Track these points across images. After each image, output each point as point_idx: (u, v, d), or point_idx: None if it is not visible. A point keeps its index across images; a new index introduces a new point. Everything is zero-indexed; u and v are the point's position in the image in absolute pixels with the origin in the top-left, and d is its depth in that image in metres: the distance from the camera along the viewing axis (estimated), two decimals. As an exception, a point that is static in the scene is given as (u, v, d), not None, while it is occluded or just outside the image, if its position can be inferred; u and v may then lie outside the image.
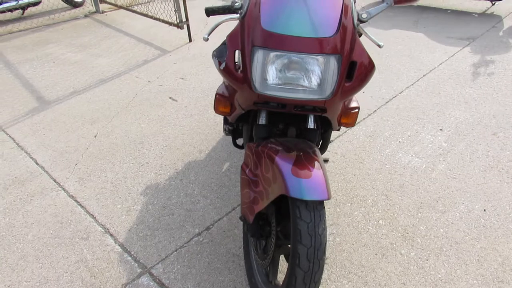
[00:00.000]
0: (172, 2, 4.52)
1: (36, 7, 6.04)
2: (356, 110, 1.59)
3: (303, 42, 1.30)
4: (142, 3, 6.08)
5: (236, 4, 1.42)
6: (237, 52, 1.42)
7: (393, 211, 2.15)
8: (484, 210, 2.12)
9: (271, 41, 1.31)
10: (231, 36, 1.41)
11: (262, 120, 1.58)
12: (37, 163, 2.68)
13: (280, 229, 1.54)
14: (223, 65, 1.42)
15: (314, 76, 1.35)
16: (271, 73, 1.34)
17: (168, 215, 2.20)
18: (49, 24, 5.65)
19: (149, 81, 3.76)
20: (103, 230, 2.12)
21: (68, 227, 2.16)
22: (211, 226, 2.11)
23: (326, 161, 2.49)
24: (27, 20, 5.82)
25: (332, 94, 1.36)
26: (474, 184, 2.30)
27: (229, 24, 4.74)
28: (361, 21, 1.42)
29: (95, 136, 2.95)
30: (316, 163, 1.42)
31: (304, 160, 1.41)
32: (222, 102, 1.63)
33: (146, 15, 5.13)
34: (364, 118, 2.98)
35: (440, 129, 2.80)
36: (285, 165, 1.40)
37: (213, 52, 1.48)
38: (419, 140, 2.70)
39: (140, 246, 2.02)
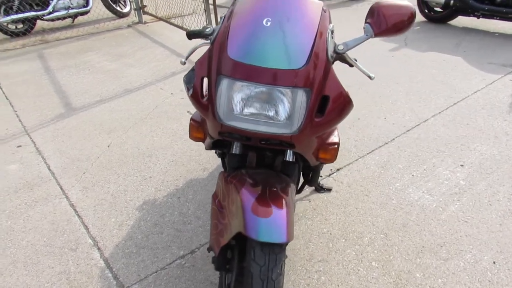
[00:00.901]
0: (205, 16, 4.59)
1: (84, 16, 6.37)
2: (335, 146, 1.48)
3: (270, 74, 1.23)
4: (180, 16, 6.20)
5: (207, 29, 1.38)
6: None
7: (390, 252, 1.99)
8: (494, 262, 1.91)
9: (237, 70, 1.25)
10: (199, 62, 1.36)
11: (235, 149, 1.52)
12: (49, 169, 2.77)
13: (245, 265, 1.47)
14: (190, 91, 1.38)
15: (281, 110, 1.27)
16: (236, 104, 1.28)
17: (158, 234, 2.18)
18: (94, 33, 5.94)
19: (172, 93, 3.81)
20: (92, 243, 2.14)
21: (61, 236, 2.20)
22: (197, 249, 2.06)
23: (329, 190, 2.38)
24: (74, 29, 6.16)
25: (299, 130, 1.28)
26: (488, 231, 2.08)
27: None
28: (337, 53, 1.33)
29: (108, 146, 3.01)
30: (282, 201, 1.33)
31: (268, 197, 1.33)
32: (195, 128, 1.59)
33: (181, 28, 5.25)
34: (379, 147, 2.82)
35: (461, 165, 2.58)
36: (247, 201, 1.33)
37: (184, 77, 1.45)
38: (435, 175, 2.50)
39: (123, 264, 2.01)
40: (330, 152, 1.47)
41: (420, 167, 2.59)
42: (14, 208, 2.42)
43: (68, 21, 6.46)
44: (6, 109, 3.67)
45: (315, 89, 1.25)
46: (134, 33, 5.84)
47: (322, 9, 1.34)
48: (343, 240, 2.07)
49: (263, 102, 1.27)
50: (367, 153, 2.76)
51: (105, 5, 6.49)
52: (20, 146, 3.08)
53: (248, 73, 1.24)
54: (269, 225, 1.27)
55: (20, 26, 5.95)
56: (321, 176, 2.52)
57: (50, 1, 5.93)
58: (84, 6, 6.20)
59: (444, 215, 2.20)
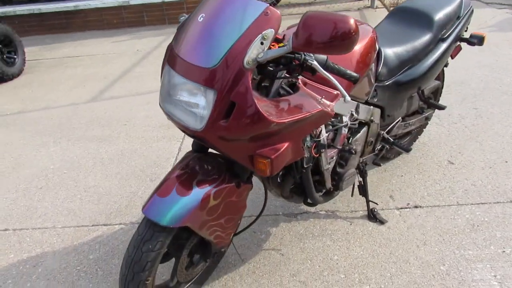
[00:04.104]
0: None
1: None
2: (266, 160, 1.35)
3: (187, 67, 1.28)
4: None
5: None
6: None
7: (376, 314, 1.64)
8: None
9: (171, 60, 1.35)
10: (167, 48, 1.49)
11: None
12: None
13: None
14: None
15: (199, 105, 1.30)
16: (169, 89, 1.38)
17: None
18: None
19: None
20: (165, 181, 2.62)
21: (154, 168, 2.77)
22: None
23: (382, 222, 2.13)
24: (310, 6, 6.67)
25: (203, 128, 1.28)
26: None
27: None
28: (257, 61, 1.21)
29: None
30: (189, 189, 1.39)
31: (178, 180, 1.41)
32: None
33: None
34: (496, 202, 2.13)
35: None
36: (164, 179, 1.45)
37: None
38: (538, 265, 1.76)
39: (168, 205, 2.40)
40: (260, 164, 1.36)
41: (526, 246, 1.86)
42: (149, 138, 3.16)
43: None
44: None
45: (221, 92, 1.22)
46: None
47: (264, 12, 1.22)
48: (342, 276, 1.82)
49: (188, 93, 1.32)
50: (471, 204, 2.15)
51: (345, -13, 6.71)
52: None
53: (176, 63, 1.32)
54: (157, 204, 1.37)
55: (268, -1, 6.91)
56: (376, 204, 2.17)
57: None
58: (325, -13, 6.60)
59: (492, 314, 1.59)
